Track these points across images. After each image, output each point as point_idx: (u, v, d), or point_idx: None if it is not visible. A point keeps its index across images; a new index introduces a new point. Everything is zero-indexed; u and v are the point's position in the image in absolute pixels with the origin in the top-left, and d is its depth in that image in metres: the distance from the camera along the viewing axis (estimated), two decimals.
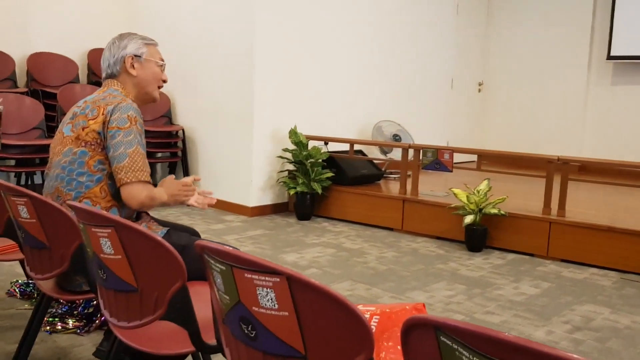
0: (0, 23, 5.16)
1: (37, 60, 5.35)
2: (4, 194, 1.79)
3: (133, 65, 2.00)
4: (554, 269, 3.79)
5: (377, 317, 1.32)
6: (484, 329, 0.71)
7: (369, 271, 3.59)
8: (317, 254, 3.92)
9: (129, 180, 1.84)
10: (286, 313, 1.03)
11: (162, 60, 2.09)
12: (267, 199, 5.07)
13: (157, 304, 1.37)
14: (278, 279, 1.01)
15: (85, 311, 2.58)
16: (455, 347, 0.77)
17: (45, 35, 5.42)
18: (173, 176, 2.07)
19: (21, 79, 5.31)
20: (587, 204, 4.68)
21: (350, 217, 4.91)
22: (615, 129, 6.88)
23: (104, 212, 1.39)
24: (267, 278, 1.02)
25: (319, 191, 4.80)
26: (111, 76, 2.02)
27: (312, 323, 1.02)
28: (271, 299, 1.04)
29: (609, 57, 6.74)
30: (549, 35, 7.24)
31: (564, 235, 3.98)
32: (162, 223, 2.12)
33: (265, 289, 1.03)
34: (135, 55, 2.00)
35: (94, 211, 1.39)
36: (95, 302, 2.60)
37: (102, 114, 1.87)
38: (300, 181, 4.84)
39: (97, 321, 2.54)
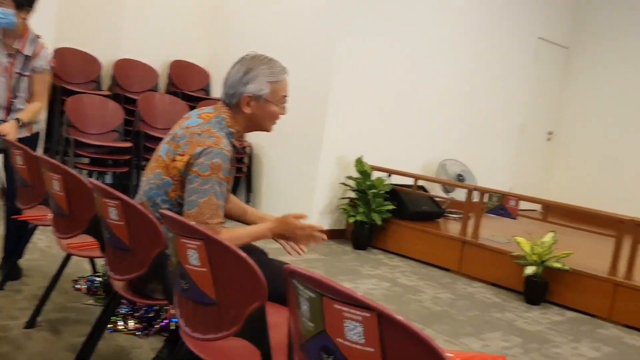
0: (94, 28, 5.47)
1: (123, 66, 5.63)
2: (96, 195, 1.89)
3: (249, 104, 1.92)
4: (616, 334, 3.62)
5: None
6: None
7: (423, 310, 3.54)
8: (372, 286, 3.90)
9: None
10: (372, 349, 1.03)
11: (285, 96, 1.99)
12: (325, 224, 5.08)
13: (234, 320, 1.40)
14: (369, 314, 1.02)
15: (146, 315, 2.66)
16: None
17: (133, 44, 5.70)
18: (295, 217, 1.92)
19: (105, 82, 5.58)
20: None
21: (407, 253, 4.86)
22: None
23: (197, 225, 1.44)
24: (357, 312, 1.03)
25: (378, 222, 4.78)
26: (227, 104, 1.95)
27: None
28: (358, 333, 1.04)
29: None
30: (628, 91, 7.02)
31: (629, 300, 3.81)
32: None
33: (353, 322, 1.04)
34: (255, 95, 1.91)
35: (187, 223, 1.44)
36: (156, 307, 2.67)
37: (190, 154, 1.83)
38: (360, 210, 4.84)
39: (156, 326, 2.61)
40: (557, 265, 3.97)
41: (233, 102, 1.93)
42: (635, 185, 6.90)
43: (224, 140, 1.87)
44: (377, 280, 4.06)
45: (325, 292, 1.08)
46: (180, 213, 1.84)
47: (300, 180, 5.11)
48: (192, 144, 1.84)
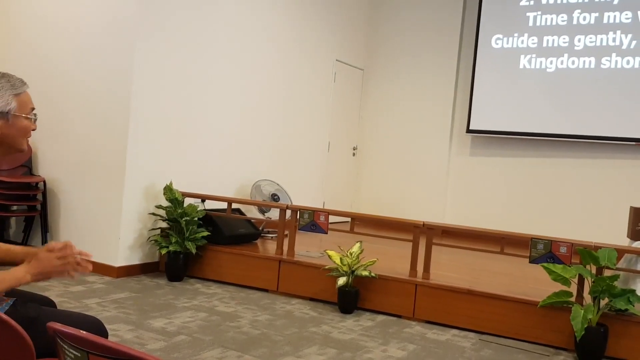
0: None
1: None
2: None
3: None
4: (419, 331, 3.95)
5: None
6: None
7: (241, 337, 3.50)
8: (188, 318, 3.76)
9: None
10: None
11: (33, 109, 1.84)
12: (135, 259, 4.80)
13: None
14: None
15: None
16: None
17: None
18: (51, 249, 1.68)
19: None
20: (450, 267, 4.99)
21: (225, 278, 4.80)
22: (473, 195, 7.51)
23: None
24: None
25: (193, 251, 4.65)
26: None
27: None
28: None
29: (468, 131, 7.42)
30: (416, 107, 7.85)
31: (428, 297, 4.19)
32: (9, 292, 1.92)
33: None
34: (3, 112, 1.74)
35: None
36: None
37: None
38: (173, 240, 4.66)
39: None
40: (365, 273, 4.22)
41: None
42: (429, 189, 7.69)
43: None
44: (194, 311, 3.93)
45: (91, 349, 0.98)
46: None
47: (104, 215, 4.76)
48: None
